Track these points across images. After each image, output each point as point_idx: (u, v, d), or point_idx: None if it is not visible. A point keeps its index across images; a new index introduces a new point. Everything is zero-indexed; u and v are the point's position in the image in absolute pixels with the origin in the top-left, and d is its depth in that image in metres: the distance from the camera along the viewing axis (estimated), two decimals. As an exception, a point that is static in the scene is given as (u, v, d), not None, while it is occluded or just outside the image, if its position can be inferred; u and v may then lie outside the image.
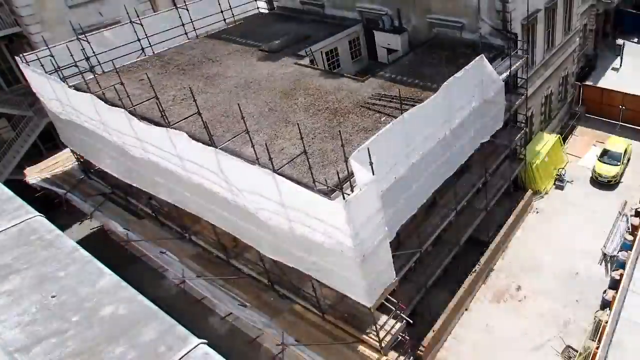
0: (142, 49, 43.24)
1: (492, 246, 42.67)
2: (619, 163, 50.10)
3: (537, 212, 48.37)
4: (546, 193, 50.11)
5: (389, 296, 27.33)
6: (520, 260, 43.98)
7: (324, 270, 26.71)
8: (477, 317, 39.80)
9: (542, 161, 48.63)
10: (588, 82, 65.08)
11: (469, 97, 33.07)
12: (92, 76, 36.55)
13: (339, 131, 26.10)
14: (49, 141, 52.66)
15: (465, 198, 37.14)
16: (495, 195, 42.32)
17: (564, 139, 55.88)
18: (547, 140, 51.04)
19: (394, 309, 28.17)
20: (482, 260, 41.57)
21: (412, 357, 33.09)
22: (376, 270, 25.59)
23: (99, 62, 39.11)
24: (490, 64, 35.12)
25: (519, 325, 38.46)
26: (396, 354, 29.57)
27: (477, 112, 34.05)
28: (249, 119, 30.37)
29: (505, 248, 44.81)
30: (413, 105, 28.34)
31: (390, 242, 26.97)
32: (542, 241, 45.66)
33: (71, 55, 36.88)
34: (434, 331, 35.80)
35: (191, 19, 45.61)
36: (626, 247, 43.96)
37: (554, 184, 50.18)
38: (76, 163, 45.35)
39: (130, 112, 30.82)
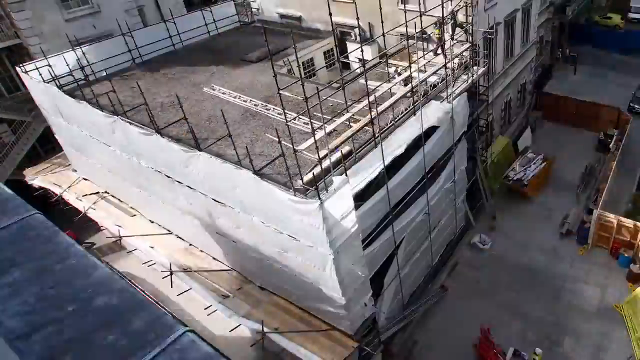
0: (133, 59, 43.21)
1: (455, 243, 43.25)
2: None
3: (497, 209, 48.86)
4: (497, 190, 50.63)
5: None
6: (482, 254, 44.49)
7: (299, 266, 26.90)
8: (444, 307, 40.20)
9: (492, 162, 48.97)
10: (545, 90, 65.72)
11: (436, 103, 33.32)
12: (86, 84, 36.51)
13: (314, 135, 26.24)
14: (47, 144, 52.51)
15: (434, 198, 37.22)
16: (460, 195, 42.58)
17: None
18: (498, 143, 51.38)
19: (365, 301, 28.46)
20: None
21: (381, 344, 33.38)
22: (348, 265, 25.76)
23: (92, 71, 39.09)
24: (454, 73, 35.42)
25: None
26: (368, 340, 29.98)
27: (445, 117, 34.24)
28: (232, 124, 30.41)
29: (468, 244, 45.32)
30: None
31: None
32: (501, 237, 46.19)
33: (67, 65, 36.93)
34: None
35: (178, 32, 45.53)
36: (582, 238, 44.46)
37: (504, 182, 50.54)
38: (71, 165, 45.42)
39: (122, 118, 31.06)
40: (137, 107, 32.12)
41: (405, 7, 30.83)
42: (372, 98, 28.08)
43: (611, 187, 48.44)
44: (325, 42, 43.96)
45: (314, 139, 24.45)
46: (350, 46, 42.58)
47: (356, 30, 41.82)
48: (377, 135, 28.05)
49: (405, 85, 32.59)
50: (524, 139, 56.61)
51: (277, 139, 24.56)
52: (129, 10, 55.37)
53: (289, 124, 25.39)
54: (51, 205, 42.25)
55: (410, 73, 32.25)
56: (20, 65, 38.93)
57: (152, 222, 38.73)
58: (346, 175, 23.96)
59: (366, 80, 28.18)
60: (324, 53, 44.24)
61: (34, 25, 48.92)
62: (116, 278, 8.42)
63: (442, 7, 33.39)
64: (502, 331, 37.01)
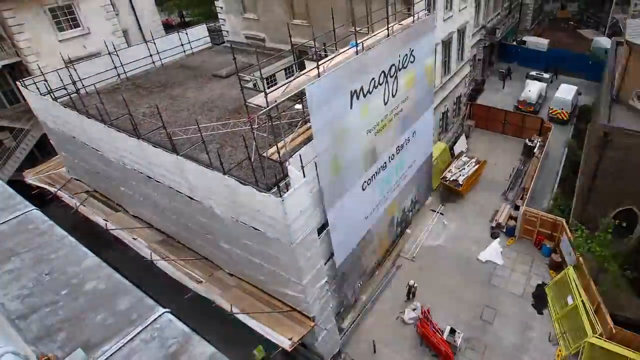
0: (118, 75, 43.22)
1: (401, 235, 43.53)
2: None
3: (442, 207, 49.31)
4: (436, 189, 51.04)
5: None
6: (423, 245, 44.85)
7: (264, 255, 27.08)
8: (388, 291, 40.51)
9: (432, 164, 49.42)
10: (478, 102, 66.46)
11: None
12: (77, 97, 36.45)
13: (276, 142, 26.38)
14: (44, 149, 52.17)
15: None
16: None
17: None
18: (437, 148, 51.75)
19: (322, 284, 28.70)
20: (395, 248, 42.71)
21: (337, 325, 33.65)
22: (306, 253, 25.97)
23: (83, 85, 39.01)
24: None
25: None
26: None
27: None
28: (205, 131, 30.45)
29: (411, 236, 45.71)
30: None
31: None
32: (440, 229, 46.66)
33: (61, 80, 36.79)
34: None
35: (157, 51, 45.73)
36: (509, 231, 44.96)
37: (442, 182, 50.96)
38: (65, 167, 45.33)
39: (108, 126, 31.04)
40: (122, 117, 32.18)
41: (355, 28, 30.89)
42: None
43: (535, 186, 49.25)
44: (286, 60, 44.06)
45: (277, 146, 24.66)
46: (308, 63, 42.72)
47: (313, 49, 41.96)
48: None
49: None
50: (460, 144, 57.13)
51: (244, 145, 24.73)
52: (114, 32, 55.12)
53: (254, 131, 25.59)
54: (47, 202, 42.03)
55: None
56: (21, 80, 38.79)
57: (135, 216, 38.68)
58: (304, 175, 24.14)
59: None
60: (285, 69, 44.36)
61: (32, 45, 48.62)
62: (104, 265, 8.60)
63: (388, 28, 33.61)
64: (440, 312, 37.40)
